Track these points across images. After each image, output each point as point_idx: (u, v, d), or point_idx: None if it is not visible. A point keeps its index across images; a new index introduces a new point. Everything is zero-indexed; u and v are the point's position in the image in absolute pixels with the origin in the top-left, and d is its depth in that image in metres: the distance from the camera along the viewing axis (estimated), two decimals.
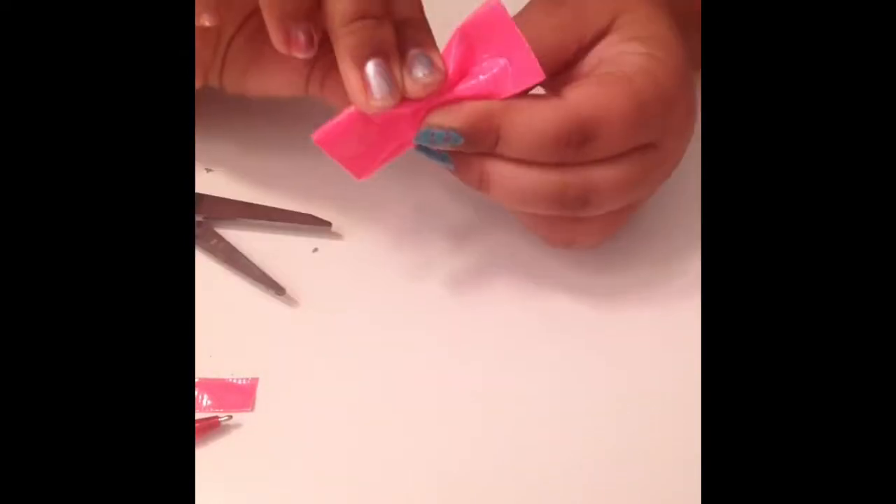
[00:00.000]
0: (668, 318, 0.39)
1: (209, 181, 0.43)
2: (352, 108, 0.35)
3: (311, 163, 0.37)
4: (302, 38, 0.34)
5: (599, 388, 0.37)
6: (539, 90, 0.37)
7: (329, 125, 0.35)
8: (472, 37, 0.34)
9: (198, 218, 0.41)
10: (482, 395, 0.37)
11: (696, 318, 0.37)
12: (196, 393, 0.36)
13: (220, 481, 0.34)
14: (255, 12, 0.37)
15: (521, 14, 0.37)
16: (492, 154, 0.35)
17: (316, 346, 0.38)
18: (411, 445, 0.36)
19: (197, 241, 0.40)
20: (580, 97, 0.34)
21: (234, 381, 0.37)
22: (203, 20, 0.36)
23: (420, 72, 0.34)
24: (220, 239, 0.41)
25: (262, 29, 0.35)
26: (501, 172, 0.35)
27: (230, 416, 0.36)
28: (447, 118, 0.34)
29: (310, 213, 0.41)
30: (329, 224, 0.41)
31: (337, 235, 0.42)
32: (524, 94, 0.35)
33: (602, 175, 0.35)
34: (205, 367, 0.37)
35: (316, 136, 0.35)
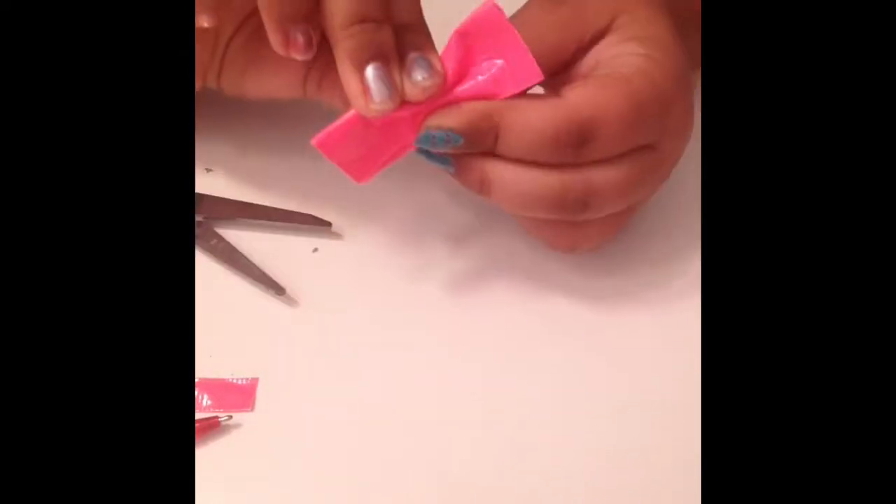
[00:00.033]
0: (668, 320, 0.39)
1: (209, 181, 0.43)
2: (351, 112, 0.35)
3: (312, 163, 0.37)
4: (301, 39, 0.34)
5: (599, 390, 0.37)
6: (539, 90, 0.37)
7: (329, 129, 0.35)
8: (469, 38, 0.34)
9: (198, 218, 0.41)
10: (482, 395, 0.37)
11: (696, 320, 0.37)
12: (196, 393, 0.36)
13: (220, 481, 0.34)
14: (254, 13, 0.37)
15: (520, 12, 0.37)
16: (492, 156, 0.35)
17: (316, 346, 0.38)
18: (411, 445, 0.36)
19: (197, 241, 0.40)
20: (579, 97, 0.34)
21: (234, 381, 0.37)
22: (201, 21, 0.36)
23: (419, 75, 0.34)
24: (220, 239, 0.41)
25: (260, 30, 0.35)
26: (502, 175, 0.35)
27: (230, 416, 0.36)
28: (446, 119, 0.34)
29: (310, 213, 0.41)
30: (329, 224, 0.41)
31: (337, 235, 0.42)
32: (523, 94, 0.35)
33: (601, 176, 0.35)
34: (205, 367, 0.37)
35: (316, 139, 0.35)
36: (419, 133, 0.35)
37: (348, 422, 0.36)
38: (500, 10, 0.34)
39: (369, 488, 0.34)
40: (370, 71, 0.34)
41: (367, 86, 0.34)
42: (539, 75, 0.34)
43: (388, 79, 0.34)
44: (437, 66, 0.34)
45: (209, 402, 0.36)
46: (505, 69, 0.34)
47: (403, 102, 0.34)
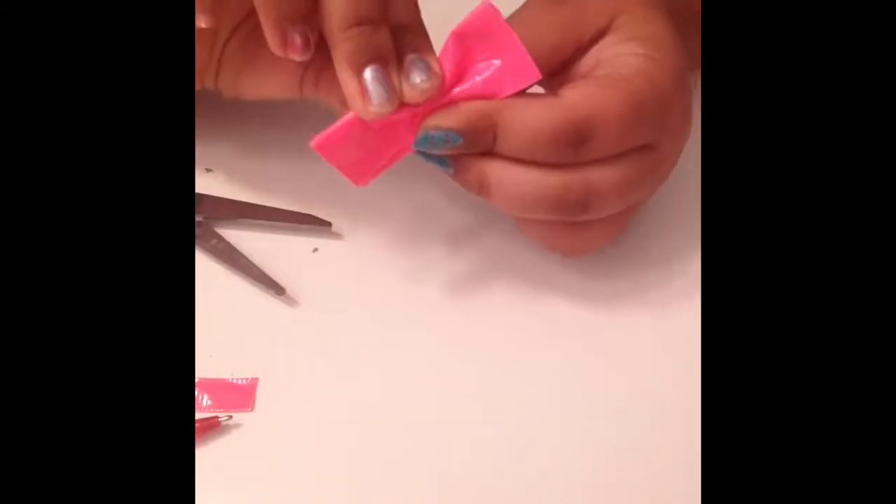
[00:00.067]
0: (668, 321, 0.39)
1: (209, 181, 0.43)
2: (350, 114, 0.35)
3: (312, 163, 0.37)
4: (298, 40, 0.34)
5: (599, 391, 0.37)
6: (538, 90, 0.37)
7: (328, 131, 0.35)
8: (466, 39, 0.34)
9: (198, 218, 0.41)
10: (482, 395, 0.37)
11: (695, 320, 0.37)
12: (196, 393, 0.36)
13: (220, 481, 0.34)
14: (251, 14, 0.37)
15: (519, 12, 0.37)
16: (491, 156, 0.35)
17: (316, 346, 0.38)
18: (411, 446, 0.36)
19: (197, 241, 0.40)
20: (577, 97, 0.34)
21: (234, 381, 0.37)
22: (199, 21, 0.36)
23: (418, 77, 0.34)
24: (220, 239, 0.41)
25: (257, 31, 0.35)
26: (501, 176, 0.35)
27: (230, 416, 0.36)
28: (444, 120, 0.34)
29: (310, 213, 0.41)
30: (329, 224, 0.41)
31: (337, 235, 0.42)
32: (521, 94, 0.35)
33: (601, 176, 0.35)
34: (205, 367, 0.37)
35: (315, 142, 0.35)
36: (418, 135, 0.35)
37: (348, 422, 0.36)
38: (496, 10, 0.34)
39: (369, 488, 0.34)
40: (368, 73, 0.34)
41: (366, 88, 0.34)
42: (537, 75, 0.34)
43: (386, 81, 0.34)
44: (436, 67, 0.34)
45: (209, 402, 0.36)
46: (503, 69, 0.35)
47: (402, 104, 0.34)
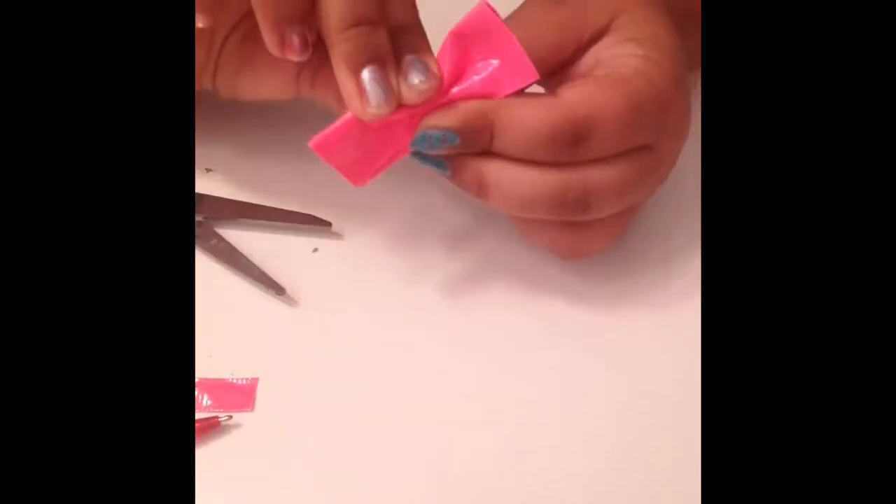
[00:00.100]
0: (668, 321, 0.39)
1: (209, 181, 0.43)
2: (348, 115, 0.35)
3: (312, 164, 0.37)
4: (296, 41, 0.34)
5: (599, 391, 0.37)
6: (538, 90, 0.37)
7: (326, 131, 0.35)
8: (464, 40, 0.34)
9: (198, 218, 0.41)
10: (483, 395, 0.37)
11: (695, 321, 0.37)
12: (196, 393, 0.36)
13: (220, 481, 0.34)
14: (248, 15, 0.37)
15: (519, 11, 0.37)
16: (488, 155, 0.35)
17: (316, 346, 0.38)
18: (411, 446, 0.36)
19: (197, 241, 0.40)
20: (575, 96, 0.34)
21: (234, 381, 0.37)
22: (198, 21, 0.36)
23: (416, 78, 0.34)
24: (220, 239, 0.41)
25: (254, 31, 0.35)
26: (499, 175, 0.35)
27: (230, 416, 0.36)
28: (441, 119, 0.34)
29: (310, 213, 0.41)
30: (329, 224, 0.41)
31: (337, 235, 0.42)
32: (519, 93, 0.35)
33: (599, 176, 0.35)
34: (205, 367, 0.37)
35: (313, 142, 0.35)
36: (415, 136, 0.35)
37: (348, 422, 0.36)
38: (493, 10, 0.34)
39: (369, 488, 0.34)
40: (366, 74, 0.34)
41: (364, 89, 0.34)
42: (535, 75, 0.34)
43: (384, 82, 0.34)
44: (434, 68, 0.34)
45: (209, 402, 0.36)
46: (500, 69, 0.34)
47: (400, 105, 0.34)
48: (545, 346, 0.38)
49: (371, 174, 0.37)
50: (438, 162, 0.35)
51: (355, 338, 0.38)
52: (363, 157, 0.36)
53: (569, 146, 0.34)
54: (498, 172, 0.35)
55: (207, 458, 0.35)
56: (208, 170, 0.43)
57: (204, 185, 0.43)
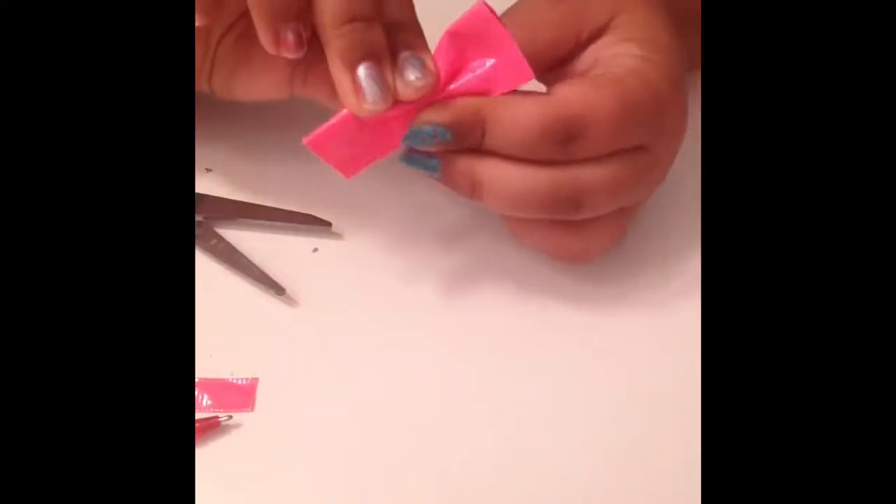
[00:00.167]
0: (667, 321, 0.39)
1: (209, 181, 0.43)
2: (344, 112, 0.35)
3: (312, 163, 0.37)
4: (291, 38, 0.34)
5: (599, 391, 0.37)
6: (538, 87, 0.37)
7: (321, 129, 0.35)
8: (461, 38, 0.34)
9: (198, 218, 0.41)
10: (483, 395, 0.37)
11: (695, 321, 0.37)
12: (196, 393, 0.36)
13: (220, 481, 0.34)
14: (243, 15, 0.37)
15: (519, 6, 0.37)
16: (481, 154, 0.35)
17: (316, 346, 0.38)
18: (411, 445, 0.36)
19: (197, 241, 0.40)
20: (569, 94, 0.34)
21: (234, 381, 0.37)
22: (196, 20, 0.36)
23: (412, 75, 0.34)
24: (220, 239, 0.41)
25: (249, 31, 0.35)
26: (492, 174, 0.35)
27: (230, 416, 0.36)
28: (434, 115, 0.34)
29: (310, 213, 0.41)
30: (329, 224, 0.41)
31: (337, 235, 0.42)
32: (513, 91, 0.35)
33: (592, 175, 0.35)
34: (205, 367, 0.37)
35: (307, 139, 0.35)
36: (407, 131, 0.35)
37: (348, 422, 0.36)
38: (491, 10, 0.34)
39: (369, 488, 0.34)
40: (362, 71, 0.33)
41: (359, 86, 0.34)
42: (530, 75, 0.34)
43: (380, 78, 0.34)
44: (430, 64, 0.34)
45: (209, 402, 0.36)
46: (496, 68, 0.35)
47: (396, 102, 0.34)
48: (546, 346, 0.38)
49: (362, 167, 0.37)
50: (430, 164, 0.35)
51: (355, 338, 0.38)
52: (358, 153, 0.36)
53: (561, 143, 0.34)
54: (491, 171, 0.35)
55: (207, 458, 0.34)
56: (208, 170, 0.43)
57: (204, 185, 0.43)
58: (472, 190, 0.35)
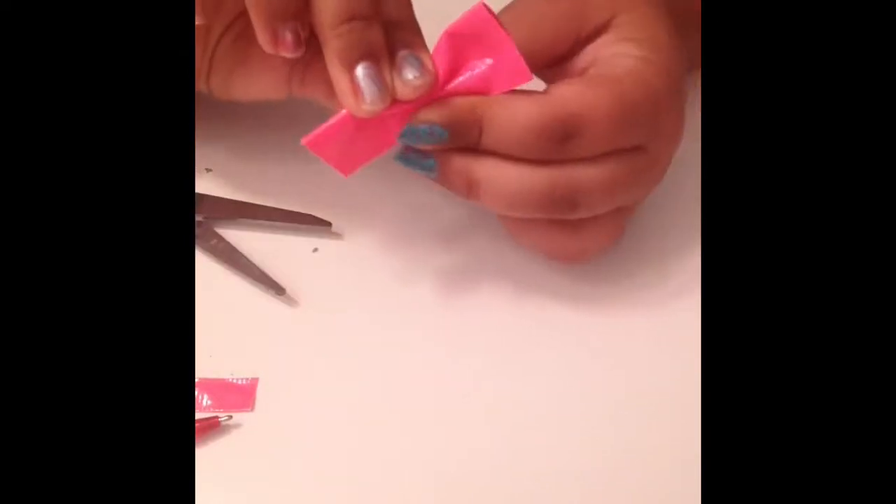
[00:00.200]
0: (666, 320, 0.39)
1: (209, 181, 0.43)
2: (343, 112, 0.35)
3: (312, 164, 0.37)
4: (289, 37, 0.34)
5: (598, 391, 0.37)
6: (538, 85, 0.37)
7: (320, 129, 0.35)
8: (459, 39, 0.35)
9: (198, 218, 0.41)
10: (482, 395, 0.37)
11: (694, 321, 0.37)
12: (196, 393, 0.36)
13: (220, 481, 0.34)
14: (241, 15, 0.37)
15: (520, 2, 0.37)
16: (477, 153, 0.35)
17: (316, 346, 0.38)
18: (411, 446, 0.36)
19: (197, 241, 0.40)
20: (566, 93, 0.34)
21: (234, 381, 0.37)
22: (196, 19, 0.36)
23: (410, 74, 0.34)
24: (220, 239, 0.41)
25: (247, 30, 0.35)
26: (488, 174, 0.35)
27: (230, 416, 0.36)
28: (430, 114, 0.34)
29: (310, 213, 0.41)
30: (329, 224, 0.41)
31: (337, 235, 0.42)
32: (510, 91, 0.35)
33: (588, 174, 0.35)
34: (205, 367, 0.37)
35: (306, 139, 0.35)
36: (403, 129, 0.35)
37: (348, 422, 0.36)
38: (490, 10, 0.34)
39: (369, 488, 0.35)
40: (360, 70, 0.33)
41: (358, 85, 0.34)
42: (528, 76, 0.34)
43: (378, 78, 0.34)
44: (428, 64, 0.34)
45: (209, 402, 0.36)
46: (494, 69, 0.35)
47: (394, 101, 0.34)
48: (544, 346, 0.38)
49: (360, 165, 0.37)
50: (426, 164, 0.35)
51: (355, 338, 0.38)
52: (356, 152, 0.36)
53: (557, 142, 0.34)
54: (488, 170, 0.35)
55: (207, 458, 0.34)
56: (208, 170, 0.43)
57: (204, 185, 0.43)
58: (469, 189, 0.35)
